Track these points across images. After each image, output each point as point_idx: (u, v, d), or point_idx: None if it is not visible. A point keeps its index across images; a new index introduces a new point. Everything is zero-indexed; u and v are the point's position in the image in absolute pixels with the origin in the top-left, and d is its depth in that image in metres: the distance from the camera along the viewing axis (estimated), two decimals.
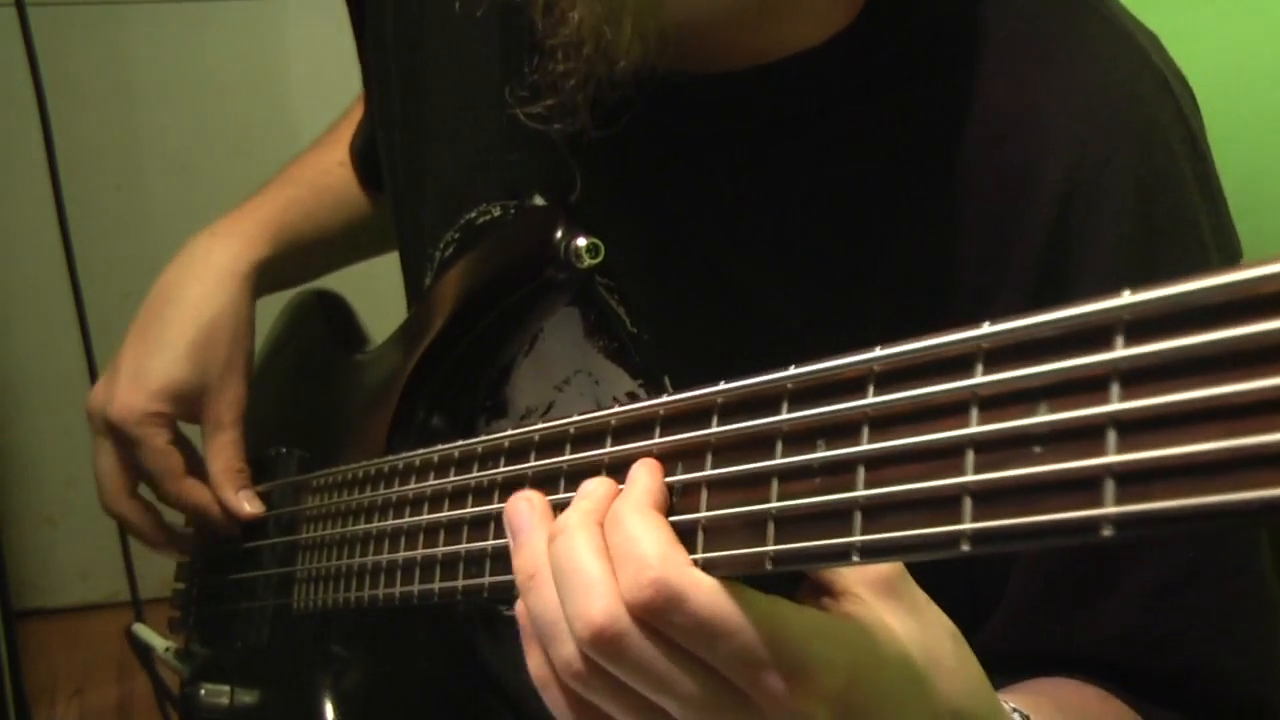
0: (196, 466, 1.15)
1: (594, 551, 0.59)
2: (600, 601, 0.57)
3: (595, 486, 0.63)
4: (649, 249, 0.90)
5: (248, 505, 1.12)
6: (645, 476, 0.62)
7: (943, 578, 0.79)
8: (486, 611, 1.04)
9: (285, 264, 1.21)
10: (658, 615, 0.56)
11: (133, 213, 2.47)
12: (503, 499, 0.73)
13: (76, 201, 2.37)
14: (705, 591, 0.56)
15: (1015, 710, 0.70)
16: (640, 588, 0.56)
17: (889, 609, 0.62)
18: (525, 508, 0.65)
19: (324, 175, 1.27)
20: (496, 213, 0.98)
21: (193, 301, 1.13)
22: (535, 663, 0.63)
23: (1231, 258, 0.85)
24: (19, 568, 2.57)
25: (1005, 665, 0.82)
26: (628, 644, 0.57)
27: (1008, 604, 0.84)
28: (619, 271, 0.91)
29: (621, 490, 0.62)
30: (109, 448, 1.14)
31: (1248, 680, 0.84)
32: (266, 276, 1.19)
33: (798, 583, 0.63)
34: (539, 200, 0.95)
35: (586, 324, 0.96)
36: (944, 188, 0.83)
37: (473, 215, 0.99)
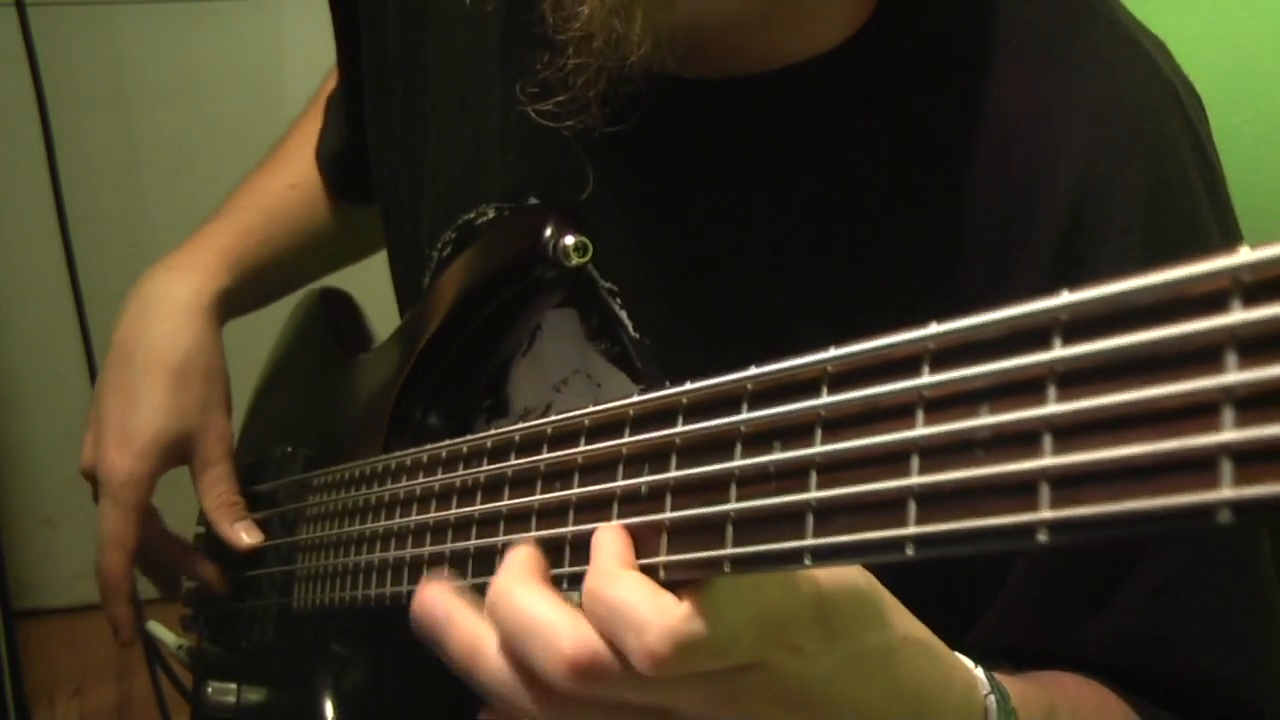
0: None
1: (540, 599, 0.60)
2: (565, 637, 0.58)
3: (519, 548, 0.65)
4: (657, 252, 0.90)
5: (245, 536, 1.13)
6: (611, 541, 0.61)
7: (942, 578, 0.80)
8: None
9: (245, 292, 1.21)
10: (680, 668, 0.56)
11: (132, 213, 2.47)
12: (486, 500, 0.74)
13: (76, 201, 2.37)
14: (711, 613, 0.56)
15: (990, 674, 0.70)
16: (659, 641, 0.56)
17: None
18: (437, 595, 0.66)
19: (276, 200, 1.27)
20: (493, 214, 0.98)
21: (160, 345, 1.13)
22: None
23: None
24: (19, 568, 2.57)
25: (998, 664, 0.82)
26: (607, 667, 0.57)
27: (1003, 603, 0.84)
28: (625, 275, 0.91)
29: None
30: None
31: (1243, 683, 0.84)
32: (228, 305, 1.19)
33: None
34: (534, 201, 0.95)
35: (588, 327, 0.96)
36: (952, 195, 0.82)
37: (470, 216, 0.99)
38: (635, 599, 0.57)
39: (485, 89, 0.97)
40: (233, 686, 1.15)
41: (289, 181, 1.27)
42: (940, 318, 0.81)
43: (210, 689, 1.15)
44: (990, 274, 0.81)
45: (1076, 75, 0.82)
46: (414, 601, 0.67)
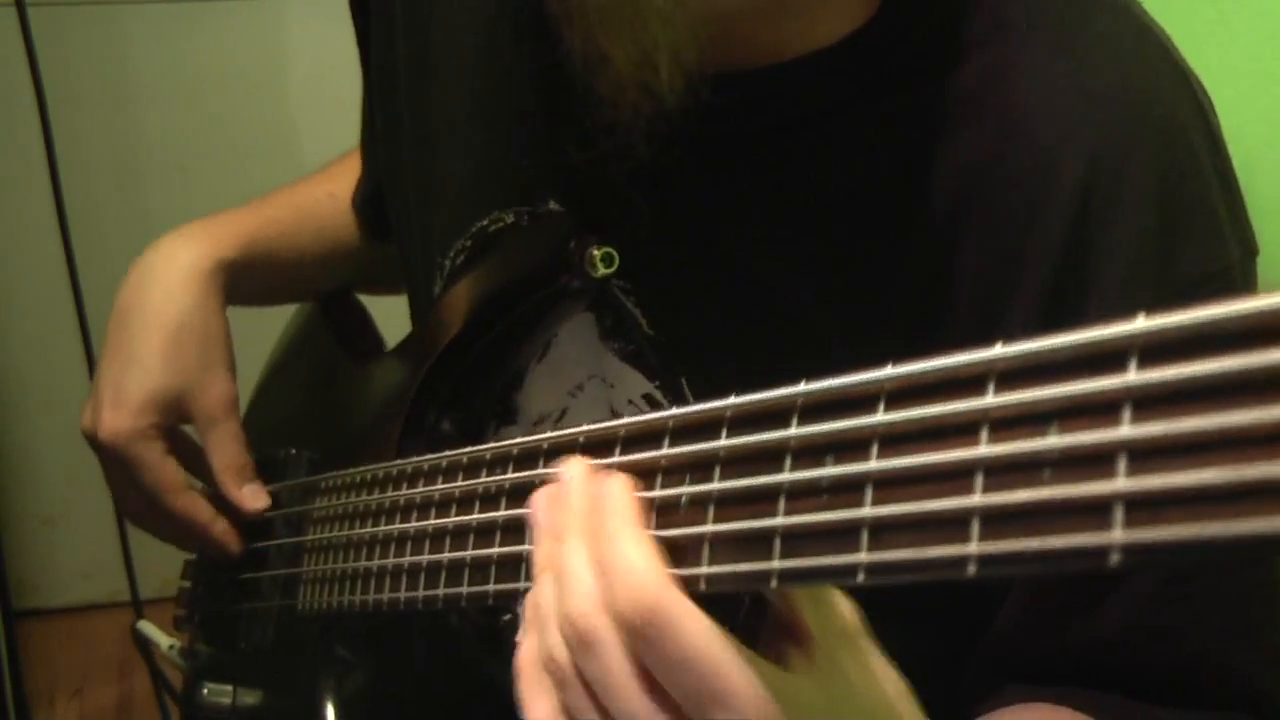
0: (200, 463, 1.14)
1: (587, 559, 0.62)
2: (587, 601, 0.60)
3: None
4: (667, 248, 0.90)
5: (252, 500, 1.11)
6: (621, 490, 0.63)
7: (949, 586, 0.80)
8: (483, 622, 1.04)
9: (253, 275, 1.18)
10: (643, 637, 0.57)
11: (133, 213, 2.47)
12: (510, 505, 0.74)
13: (76, 201, 2.36)
14: (697, 623, 0.57)
15: None
16: (635, 611, 0.57)
17: (850, 656, 0.65)
18: (546, 503, 0.67)
19: (312, 203, 1.25)
20: (510, 219, 0.97)
21: (155, 307, 1.11)
22: (526, 647, 0.65)
23: (1249, 252, 0.85)
24: (19, 568, 2.57)
25: (1006, 669, 0.83)
26: (603, 646, 0.59)
27: (1012, 601, 0.84)
28: (636, 272, 0.91)
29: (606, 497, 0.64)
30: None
31: (1252, 674, 0.84)
32: (233, 277, 1.16)
33: (761, 622, 0.65)
34: (554, 205, 0.95)
35: (602, 328, 0.95)
36: (961, 181, 0.82)
37: (485, 223, 0.99)
38: (645, 562, 0.59)
39: (496, 94, 0.97)
40: (229, 688, 1.14)
41: (330, 190, 1.26)
42: (954, 303, 0.82)
43: (205, 690, 1.14)
44: (1003, 258, 0.81)
45: (1086, 61, 0.82)
46: (533, 497, 0.68)
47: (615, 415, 0.96)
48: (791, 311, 0.87)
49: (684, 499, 0.61)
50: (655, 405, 0.94)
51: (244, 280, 1.17)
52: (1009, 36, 0.83)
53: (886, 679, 0.67)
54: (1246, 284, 0.85)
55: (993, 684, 0.85)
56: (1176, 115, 0.83)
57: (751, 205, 0.87)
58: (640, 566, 0.59)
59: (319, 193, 1.26)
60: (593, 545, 0.62)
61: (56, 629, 2.62)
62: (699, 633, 0.57)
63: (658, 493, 0.62)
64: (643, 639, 0.57)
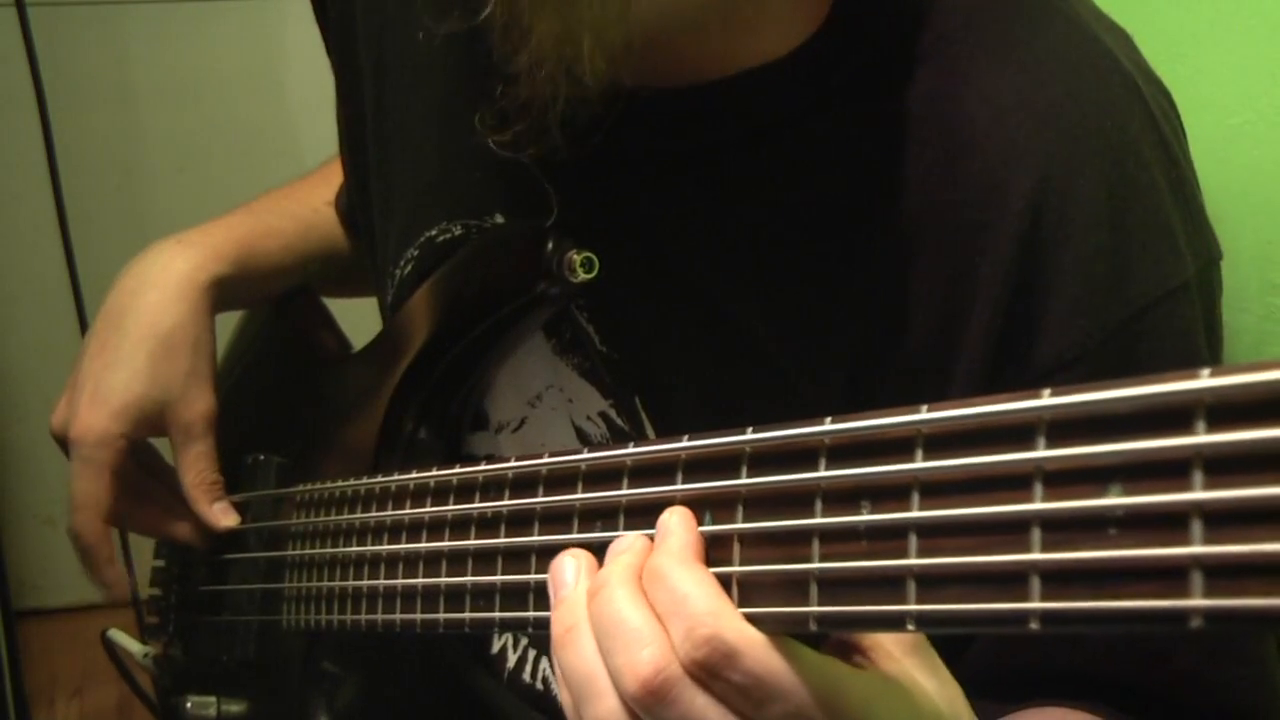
0: (167, 478, 1.13)
1: (635, 605, 0.59)
2: (647, 651, 0.58)
3: (632, 540, 0.63)
4: (618, 265, 0.89)
5: (224, 518, 1.10)
6: (680, 527, 0.61)
7: None
8: (471, 639, 1.04)
9: (248, 287, 1.18)
10: (713, 672, 0.57)
11: (133, 213, 2.46)
12: (509, 533, 0.73)
13: (76, 201, 2.36)
14: (760, 649, 0.56)
15: None
16: (695, 646, 0.57)
17: (916, 666, 0.64)
18: (571, 565, 0.65)
19: (312, 213, 1.24)
20: (457, 231, 0.97)
21: (150, 311, 1.10)
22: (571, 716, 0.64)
23: (1207, 264, 0.84)
24: (19, 568, 2.56)
25: (996, 685, 0.81)
26: (677, 694, 0.57)
27: None
28: (591, 288, 0.90)
29: (656, 541, 0.62)
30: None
31: (1244, 693, 0.83)
32: (226, 293, 1.15)
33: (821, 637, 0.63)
34: (499, 219, 0.95)
35: (559, 341, 0.95)
36: (911, 200, 0.81)
37: (432, 234, 0.99)
38: (698, 593, 0.58)
39: (448, 106, 0.96)
40: (212, 700, 1.13)
41: (327, 198, 1.26)
42: (904, 324, 0.82)
43: (190, 704, 1.13)
44: (953, 278, 0.81)
45: (1034, 74, 0.81)
46: (554, 562, 0.66)
47: (575, 429, 0.96)
48: (744, 328, 0.86)
49: (707, 537, 0.60)
50: (611, 423, 0.94)
51: (235, 292, 1.17)
52: (956, 51, 0.82)
53: (952, 681, 0.66)
54: (1205, 297, 0.84)
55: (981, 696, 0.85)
56: (1127, 128, 0.82)
57: (703, 221, 0.87)
58: (692, 597, 0.58)
59: (318, 201, 1.26)
60: (635, 589, 0.61)
61: (56, 629, 2.61)
62: (758, 653, 0.56)
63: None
64: (707, 670, 0.57)
